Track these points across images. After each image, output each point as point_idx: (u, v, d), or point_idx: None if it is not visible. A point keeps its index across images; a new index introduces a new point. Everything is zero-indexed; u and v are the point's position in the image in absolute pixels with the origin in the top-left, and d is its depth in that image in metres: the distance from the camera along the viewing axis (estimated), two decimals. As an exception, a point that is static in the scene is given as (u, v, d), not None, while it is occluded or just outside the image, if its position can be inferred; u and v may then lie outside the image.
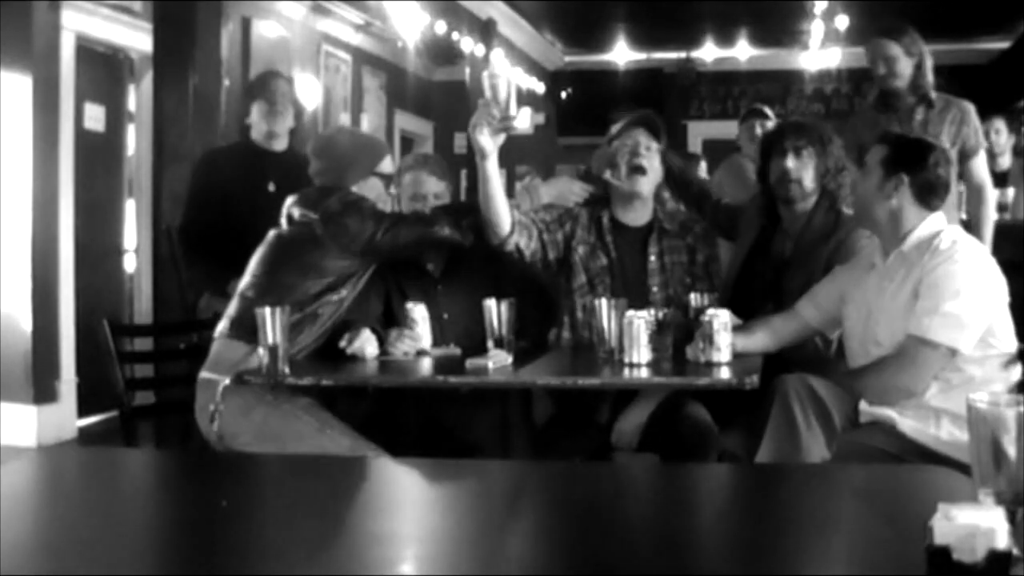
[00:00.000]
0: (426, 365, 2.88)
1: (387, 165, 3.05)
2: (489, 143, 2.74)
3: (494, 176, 2.82)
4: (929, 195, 2.62)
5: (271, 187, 3.81)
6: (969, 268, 2.50)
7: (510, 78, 2.72)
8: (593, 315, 2.82)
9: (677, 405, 2.88)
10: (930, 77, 3.87)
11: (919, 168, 2.61)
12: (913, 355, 2.49)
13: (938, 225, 2.62)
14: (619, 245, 3.14)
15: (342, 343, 2.82)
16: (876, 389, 2.53)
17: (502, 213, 2.90)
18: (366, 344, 2.82)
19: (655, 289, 3.06)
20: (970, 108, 3.90)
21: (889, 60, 3.84)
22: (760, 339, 2.79)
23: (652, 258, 3.12)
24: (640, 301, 2.85)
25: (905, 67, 3.84)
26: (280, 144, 4.02)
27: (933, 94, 3.86)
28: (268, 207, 3.68)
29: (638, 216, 3.16)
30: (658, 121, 3.18)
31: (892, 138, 2.76)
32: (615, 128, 3.16)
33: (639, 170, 3.08)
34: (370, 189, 2.96)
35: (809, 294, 2.87)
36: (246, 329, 2.68)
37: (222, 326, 2.85)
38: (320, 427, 2.70)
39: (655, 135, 3.13)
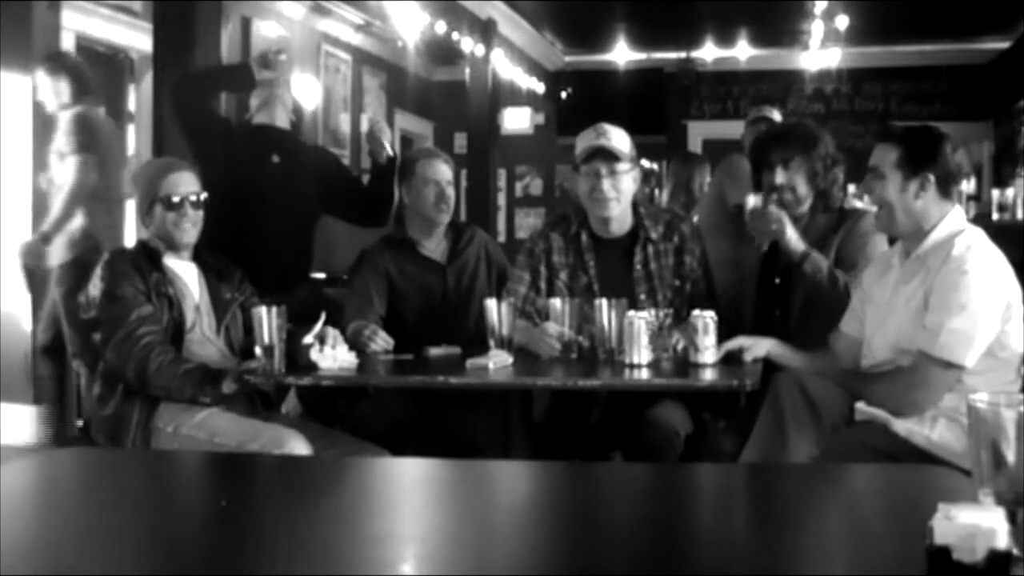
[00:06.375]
0: (426, 365, 2.88)
1: (175, 187, 2.95)
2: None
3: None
4: (951, 185, 2.55)
5: (275, 159, 3.73)
6: (979, 278, 2.44)
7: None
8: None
9: (648, 407, 2.88)
10: None
11: (940, 161, 2.54)
12: (924, 373, 2.45)
13: (957, 224, 2.56)
14: (601, 259, 3.11)
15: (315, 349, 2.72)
16: (885, 400, 2.49)
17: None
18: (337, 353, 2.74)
19: (642, 297, 3.03)
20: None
21: None
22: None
23: (637, 267, 3.08)
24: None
25: None
26: (282, 122, 3.82)
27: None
28: (274, 178, 3.68)
29: (618, 228, 3.12)
30: (615, 144, 3.01)
31: (901, 136, 2.60)
32: (577, 151, 3.05)
33: (602, 203, 3.04)
34: (153, 217, 2.95)
35: (850, 309, 2.81)
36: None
37: None
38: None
39: (616, 158, 3.00)
